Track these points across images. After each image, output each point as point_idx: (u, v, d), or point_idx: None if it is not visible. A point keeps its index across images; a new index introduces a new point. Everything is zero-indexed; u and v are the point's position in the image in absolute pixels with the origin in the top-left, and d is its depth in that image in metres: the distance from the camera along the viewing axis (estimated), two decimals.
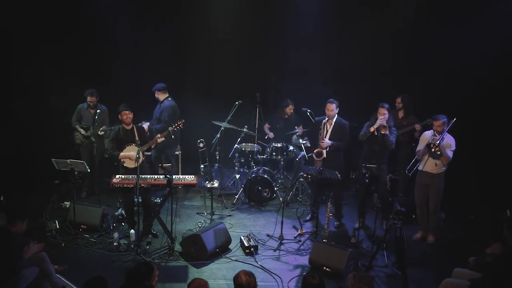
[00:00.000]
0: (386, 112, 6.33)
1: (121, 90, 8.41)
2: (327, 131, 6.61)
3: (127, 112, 6.13)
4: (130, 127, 6.22)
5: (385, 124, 6.24)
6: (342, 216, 6.99)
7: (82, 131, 7.45)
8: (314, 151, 6.64)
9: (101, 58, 8.53)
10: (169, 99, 7.50)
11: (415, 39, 8.15)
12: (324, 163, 6.56)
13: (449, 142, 6.10)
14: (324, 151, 6.59)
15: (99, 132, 7.33)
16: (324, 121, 6.60)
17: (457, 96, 7.74)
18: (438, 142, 5.97)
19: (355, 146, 7.55)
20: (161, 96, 7.49)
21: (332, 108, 6.52)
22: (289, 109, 8.06)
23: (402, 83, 8.06)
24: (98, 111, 7.37)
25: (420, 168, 6.25)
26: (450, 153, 6.07)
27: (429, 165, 6.19)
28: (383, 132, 6.26)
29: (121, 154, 6.14)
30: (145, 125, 7.12)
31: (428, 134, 6.23)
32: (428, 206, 6.37)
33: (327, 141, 6.55)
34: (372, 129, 6.35)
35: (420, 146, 6.26)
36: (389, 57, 8.27)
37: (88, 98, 7.42)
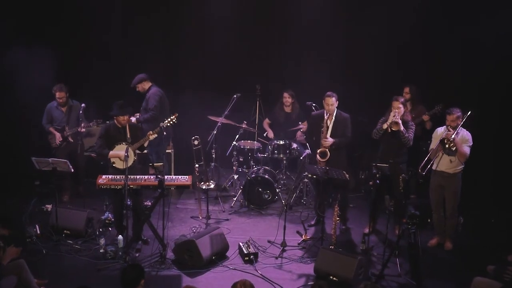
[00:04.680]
0: (400, 106, 6.30)
1: (108, 85, 8.40)
2: (327, 127, 6.61)
3: (125, 117, 6.12)
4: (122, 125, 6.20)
5: (397, 120, 6.21)
6: (348, 219, 7.01)
7: (57, 134, 7.36)
8: (318, 151, 6.62)
9: (85, 50, 8.53)
10: (154, 86, 7.55)
11: (428, 26, 8.12)
12: (328, 163, 6.54)
13: (465, 137, 6.08)
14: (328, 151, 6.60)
15: (79, 130, 7.22)
16: (326, 117, 6.59)
17: (474, 87, 7.74)
18: (453, 136, 5.96)
19: (364, 144, 7.56)
20: (145, 86, 7.54)
21: (332, 102, 6.50)
22: (285, 98, 8.00)
23: (415, 73, 8.03)
24: (83, 105, 7.28)
25: (433, 167, 6.23)
26: (467, 149, 6.05)
27: (443, 164, 6.16)
28: (394, 129, 6.25)
29: (111, 153, 6.13)
30: (133, 119, 7.13)
31: (441, 130, 6.20)
32: (445, 209, 6.36)
33: (330, 139, 6.55)
34: (385, 126, 6.33)
35: (433, 144, 6.24)
36: (401, 46, 8.21)
37: (57, 94, 7.26)
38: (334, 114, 6.59)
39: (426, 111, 7.38)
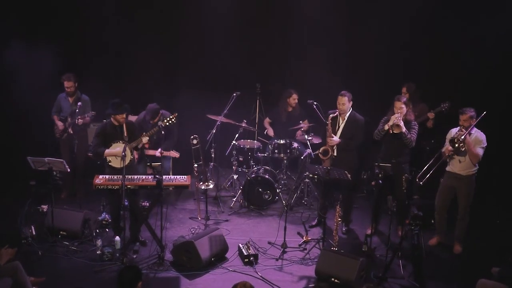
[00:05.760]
0: (403, 106, 6.29)
1: (107, 84, 8.38)
2: (338, 127, 6.60)
3: (123, 115, 6.10)
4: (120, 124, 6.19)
5: (399, 123, 6.19)
6: (351, 221, 7.00)
7: (59, 124, 7.42)
8: (320, 149, 6.62)
9: (85, 50, 8.56)
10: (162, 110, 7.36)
11: (434, 22, 8.12)
12: (334, 163, 6.54)
13: (479, 137, 6.04)
14: (335, 149, 6.58)
15: (77, 121, 7.26)
16: (332, 115, 6.58)
17: (476, 87, 7.77)
18: (463, 136, 5.94)
19: (366, 144, 7.55)
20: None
21: (344, 102, 6.48)
22: (293, 99, 7.98)
23: (417, 73, 8.04)
24: (79, 103, 7.33)
25: (447, 168, 6.23)
26: (479, 150, 6.01)
27: (457, 165, 6.15)
28: (396, 132, 6.25)
29: (107, 151, 6.12)
30: (157, 153, 7.03)
31: (455, 131, 6.17)
32: (451, 212, 6.36)
33: (335, 139, 6.54)
34: (386, 127, 6.32)
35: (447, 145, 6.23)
36: (403, 45, 8.22)
37: (65, 84, 7.33)
38: (348, 114, 6.57)
39: (428, 109, 7.38)
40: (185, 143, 7.39)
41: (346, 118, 6.58)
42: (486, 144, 6.06)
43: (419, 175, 6.23)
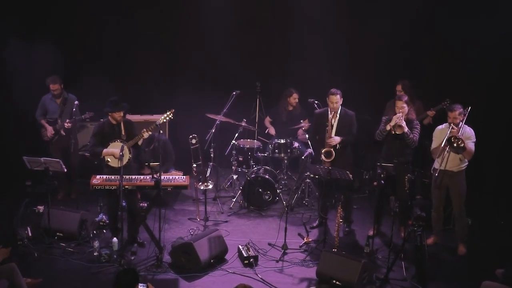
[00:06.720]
0: (404, 105, 6.20)
1: (106, 83, 8.31)
2: (332, 125, 6.49)
3: (121, 113, 6.01)
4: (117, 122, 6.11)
5: (401, 123, 6.09)
6: (352, 222, 6.93)
7: (48, 127, 7.33)
8: (322, 151, 6.50)
9: (83, 48, 8.52)
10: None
11: (434, 22, 8.07)
12: (332, 161, 6.45)
13: (468, 133, 6.00)
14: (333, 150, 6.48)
15: (65, 125, 7.19)
16: (330, 116, 6.48)
17: (476, 85, 7.70)
18: (460, 131, 5.85)
19: (368, 143, 7.48)
20: None
21: (336, 100, 6.41)
22: (293, 99, 7.95)
23: (418, 71, 8.00)
24: (76, 102, 7.25)
25: (435, 166, 6.13)
26: (472, 145, 5.96)
27: (450, 162, 6.04)
28: (398, 133, 6.16)
29: (105, 150, 6.03)
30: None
31: (441, 128, 6.11)
32: (447, 209, 6.28)
33: (335, 138, 6.43)
34: (388, 128, 6.22)
35: (436, 143, 6.13)
36: (406, 42, 8.17)
37: (51, 86, 7.28)
38: (339, 112, 6.50)
39: (423, 107, 7.28)
40: (184, 142, 7.32)
41: (338, 116, 6.52)
42: (475, 139, 6.00)
43: (432, 168, 6.13)
